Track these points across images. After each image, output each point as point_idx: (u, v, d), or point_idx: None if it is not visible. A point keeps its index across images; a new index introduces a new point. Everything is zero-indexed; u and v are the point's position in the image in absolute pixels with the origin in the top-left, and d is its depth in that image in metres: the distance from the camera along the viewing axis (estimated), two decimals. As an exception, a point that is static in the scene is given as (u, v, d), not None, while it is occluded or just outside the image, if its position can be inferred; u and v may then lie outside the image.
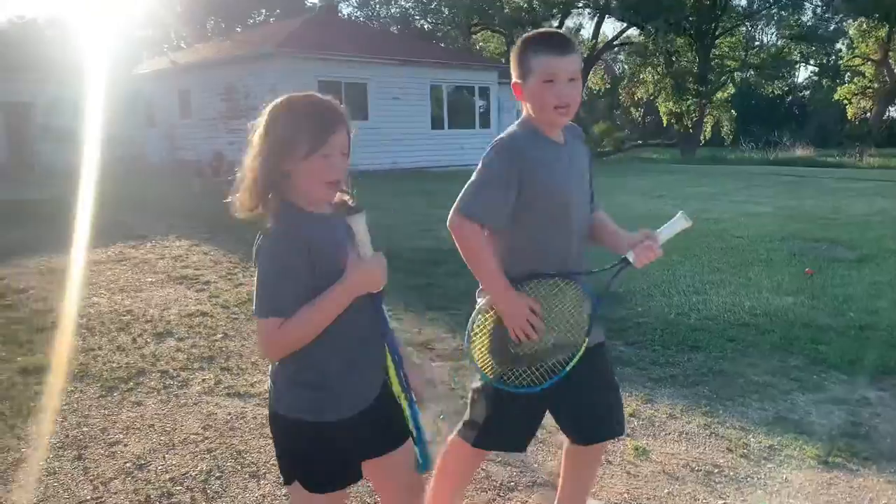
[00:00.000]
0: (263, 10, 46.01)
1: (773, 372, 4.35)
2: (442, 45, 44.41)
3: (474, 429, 2.35)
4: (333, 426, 1.80)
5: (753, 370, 4.38)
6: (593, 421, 2.39)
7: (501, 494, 3.00)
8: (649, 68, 41.80)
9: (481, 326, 2.20)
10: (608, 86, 49.66)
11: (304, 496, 1.85)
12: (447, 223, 2.18)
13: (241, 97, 19.78)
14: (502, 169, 2.15)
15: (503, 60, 37.93)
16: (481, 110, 24.07)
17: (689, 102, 38.67)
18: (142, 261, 7.97)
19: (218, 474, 3.14)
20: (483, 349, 2.21)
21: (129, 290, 6.65)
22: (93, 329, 5.37)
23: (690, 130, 39.92)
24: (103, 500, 2.93)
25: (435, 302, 6.04)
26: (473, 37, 47.42)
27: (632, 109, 51.65)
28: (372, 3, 50.57)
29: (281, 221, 1.80)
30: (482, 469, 3.15)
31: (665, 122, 42.72)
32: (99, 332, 5.28)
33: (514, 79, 2.19)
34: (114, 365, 4.55)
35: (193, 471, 3.17)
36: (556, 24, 45.03)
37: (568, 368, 2.17)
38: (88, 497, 2.95)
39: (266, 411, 1.97)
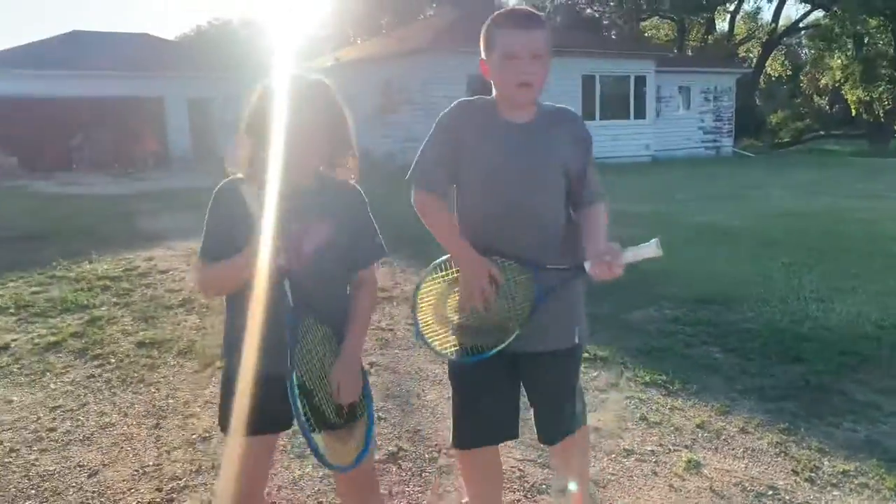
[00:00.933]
0: (434, 5, 47.15)
1: (884, 391, 3.92)
2: (606, 34, 43.36)
3: (452, 429, 2.42)
4: (258, 376, 1.92)
5: (859, 388, 3.97)
6: (539, 426, 2.41)
7: (529, 496, 2.95)
8: (836, 52, 38.29)
9: (427, 290, 2.27)
10: (789, 72, 46.16)
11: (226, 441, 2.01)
12: None
13: (395, 92, 20.45)
14: (435, 137, 2.20)
15: (675, 50, 36.48)
16: (637, 100, 23.24)
17: (881, 89, 35.03)
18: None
19: (269, 451, 3.34)
20: (428, 317, 2.27)
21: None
22: (214, 309, 5.83)
23: (882, 120, 36.17)
24: (161, 466, 3.20)
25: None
26: (643, 24, 45.88)
27: (815, 97, 47.65)
28: (537, -7, 50.29)
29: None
30: (518, 468, 3.12)
31: (854, 111, 39.02)
32: (217, 312, 5.73)
33: (482, 55, 2.15)
34: (217, 343, 4.92)
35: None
36: (731, 7, 42.57)
37: (491, 353, 2.17)
38: (150, 463, 3.24)
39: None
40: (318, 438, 1.95)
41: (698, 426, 3.55)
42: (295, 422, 1.90)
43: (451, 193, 2.23)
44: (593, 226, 2.20)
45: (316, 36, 44.04)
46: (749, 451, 3.29)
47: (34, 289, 6.48)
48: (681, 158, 23.70)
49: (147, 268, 7.34)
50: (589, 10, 48.63)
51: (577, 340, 2.30)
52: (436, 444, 3.39)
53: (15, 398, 4.00)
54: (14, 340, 5.01)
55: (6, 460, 3.27)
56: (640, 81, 23.24)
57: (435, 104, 19.11)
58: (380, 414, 3.74)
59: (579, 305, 2.33)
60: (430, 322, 2.28)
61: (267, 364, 1.91)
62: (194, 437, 3.50)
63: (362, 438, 2.02)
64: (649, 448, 3.35)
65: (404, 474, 3.15)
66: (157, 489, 3.01)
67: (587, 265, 2.07)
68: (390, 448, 3.37)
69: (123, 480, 3.08)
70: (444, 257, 2.25)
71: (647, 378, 4.16)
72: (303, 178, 1.96)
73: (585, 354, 4.55)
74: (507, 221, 2.16)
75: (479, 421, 2.33)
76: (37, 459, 3.28)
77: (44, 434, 3.54)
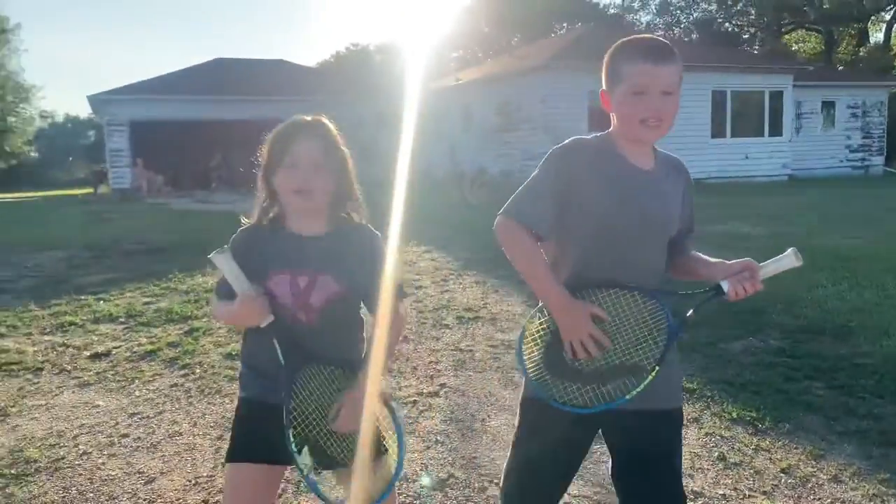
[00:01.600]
0: (565, 24, 46.82)
1: None
2: (747, 48, 41.43)
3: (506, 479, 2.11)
4: (246, 401, 1.97)
5: None
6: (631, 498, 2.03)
7: (574, 536, 2.73)
8: None
9: (535, 333, 1.96)
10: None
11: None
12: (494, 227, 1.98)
13: (513, 110, 20.41)
14: (549, 175, 1.95)
15: (821, 63, 34.25)
16: (772, 116, 21.92)
17: None
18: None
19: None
20: (536, 360, 1.96)
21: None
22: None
23: None
24: (214, 478, 3.24)
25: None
26: (786, 37, 43.53)
27: None
28: (672, 9, 48.86)
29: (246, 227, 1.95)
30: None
31: None
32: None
33: (603, 86, 1.96)
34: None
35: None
36: (887, 16, 39.55)
37: (628, 397, 1.87)
38: (204, 474, 3.29)
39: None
40: (327, 478, 1.91)
41: (783, 471, 3.19)
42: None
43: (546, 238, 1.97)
44: (709, 258, 2.04)
45: (447, 57, 44.98)
46: (838, 502, 2.91)
47: (147, 299, 6.88)
48: (822, 178, 22.09)
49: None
50: (727, 25, 46.72)
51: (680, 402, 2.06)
52: (489, 474, 3.22)
53: (101, 403, 4.21)
54: (116, 348, 5.31)
55: (77, 462, 3.42)
56: (776, 97, 21.93)
57: (554, 123, 18.93)
58: (438, 437, 3.63)
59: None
60: (540, 369, 1.97)
61: (269, 395, 1.88)
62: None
63: (385, 481, 1.91)
64: (721, 492, 3.04)
65: (450, 502, 3.01)
66: (203, 501, 3.04)
67: (724, 284, 1.90)
68: (441, 474, 3.25)
69: (175, 490, 3.14)
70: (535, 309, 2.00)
71: (735, 414, 3.80)
72: (313, 223, 1.92)
73: (670, 385, 4.26)
74: (616, 274, 1.94)
75: (542, 485, 2.06)
76: (104, 464, 3.41)
77: (116, 439, 3.68)
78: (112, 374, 4.72)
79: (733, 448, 3.44)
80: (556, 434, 1.99)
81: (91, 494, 3.11)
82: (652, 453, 1.97)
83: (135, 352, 5.20)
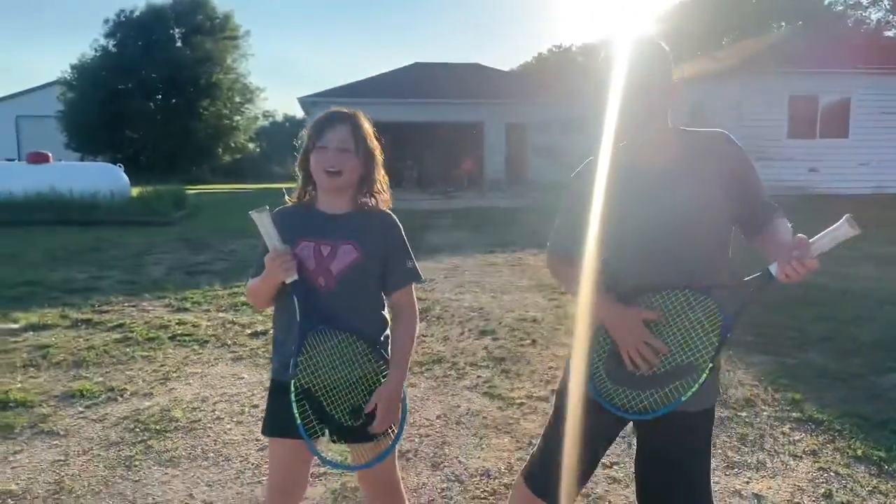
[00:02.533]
0: (783, 22, 43.64)
1: None
2: None
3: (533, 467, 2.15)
4: (276, 384, 2.13)
5: None
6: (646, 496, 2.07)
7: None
8: None
9: (600, 342, 1.97)
10: None
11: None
12: None
13: (706, 115, 19.44)
14: (571, 200, 2.06)
15: None
16: None
17: None
18: (529, 266, 8.71)
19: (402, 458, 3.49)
20: (597, 371, 1.97)
21: (498, 290, 7.41)
22: (442, 319, 6.20)
23: None
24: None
25: (764, 346, 5.32)
26: None
27: None
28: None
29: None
30: None
31: None
32: (443, 322, 6.09)
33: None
34: (427, 351, 5.24)
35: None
36: None
37: (684, 399, 1.85)
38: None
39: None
40: (325, 441, 2.04)
41: (824, 496, 2.90)
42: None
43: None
44: (780, 233, 1.83)
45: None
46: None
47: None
48: None
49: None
50: None
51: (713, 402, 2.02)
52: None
53: (246, 375, 4.71)
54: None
55: (209, 425, 3.89)
56: None
57: (750, 128, 17.79)
58: (533, 440, 3.68)
59: None
60: (601, 379, 1.98)
61: (286, 372, 2.05)
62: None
63: (385, 446, 2.07)
64: (813, 531, 2.83)
65: (522, 503, 3.07)
66: (301, 471, 3.34)
67: (773, 268, 1.74)
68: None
69: (280, 459, 3.47)
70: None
71: (860, 451, 3.48)
72: (341, 203, 2.11)
73: (798, 414, 3.99)
74: (660, 269, 1.92)
75: (567, 473, 2.06)
76: (230, 429, 3.84)
77: (247, 409, 4.12)
78: (262, 351, 5.24)
79: (845, 487, 3.16)
80: (589, 424, 2.00)
81: (211, 454, 3.53)
82: (675, 454, 1.97)
83: (287, 333, 5.72)
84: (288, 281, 2.00)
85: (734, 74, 18.35)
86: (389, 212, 2.18)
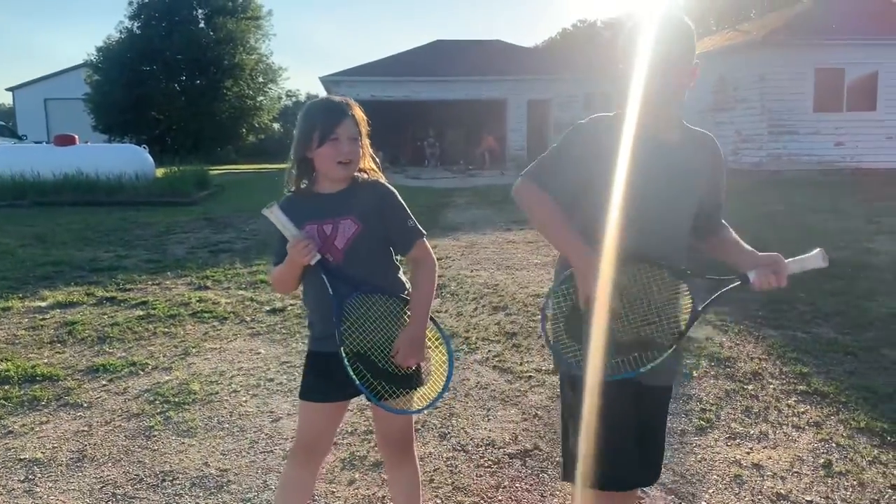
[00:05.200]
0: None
1: None
2: None
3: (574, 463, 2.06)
4: (308, 352, 2.33)
5: None
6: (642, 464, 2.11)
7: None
8: None
9: (556, 308, 2.05)
10: None
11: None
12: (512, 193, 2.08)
13: (730, 89, 19.17)
14: (574, 145, 2.03)
15: None
16: None
17: None
18: (546, 243, 8.73)
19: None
20: (562, 335, 2.03)
21: (514, 267, 7.47)
22: (456, 295, 6.28)
23: None
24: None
25: (789, 322, 5.33)
26: None
27: None
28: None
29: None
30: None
31: None
32: (457, 298, 6.17)
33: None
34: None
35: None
36: None
37: (642, 370, 1.93)
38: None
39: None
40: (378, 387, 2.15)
41: (892, 486, 2.93)
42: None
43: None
44: (741, 243, 2.13)
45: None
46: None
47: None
48: None
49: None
50: None
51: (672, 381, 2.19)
52: (574, 451, 3.31)
53: (263, 350, 4.84)
54: (292, 305, 5.98)
55: (226, 398, 4.02)
56: None
57: (774, 102, 17.53)
58: (538, 412, 3.77)
59: None
60: (563, 336, 2.05)
61: (326, 345, 2.19)
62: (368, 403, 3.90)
63: (434, 391, 2.24)
64: (809, 498, 2.88)
65: (525, 470, 3.16)
66: (312, 441, 3.45)
67: (751, 275, 1.99)
68: (527, 444, 3.40)
69: (292, 430, 3.59)
70: (554, 284, 2.07)
71: (863, 423, 3.52)
72: (337, 184, 2.22)
73: (804, 387, 4.02)
74: (645, 244, 1.99)
75: (632, 459, 2.04)
76: (246, 401, 3.97)
77: (263, 383, 4.25)
78: (280, 328, 5.37)
79: (845, 457, 3.20)
80: (620, 407, 2.00)
81: (227, 425, 3.66)
82: (650, 425, 2.11)
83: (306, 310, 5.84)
84: (312, 262, 2.13)
85: (758, 47, 18.03)
86: (381, 180, 2.27)
